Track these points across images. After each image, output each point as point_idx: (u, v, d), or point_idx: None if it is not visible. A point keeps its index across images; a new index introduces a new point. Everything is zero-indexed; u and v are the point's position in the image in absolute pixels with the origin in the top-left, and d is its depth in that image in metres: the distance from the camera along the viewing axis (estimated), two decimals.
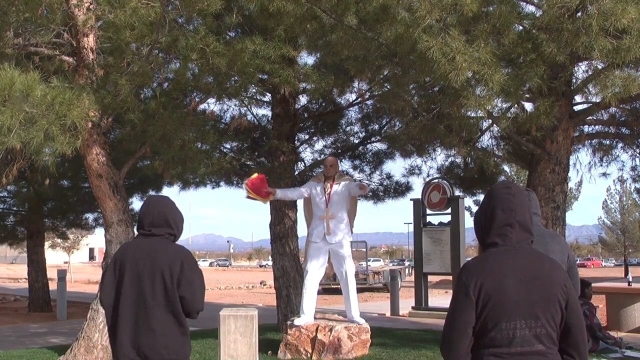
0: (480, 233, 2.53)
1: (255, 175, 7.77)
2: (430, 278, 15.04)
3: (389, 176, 13.13)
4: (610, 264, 73.81)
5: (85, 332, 7.69)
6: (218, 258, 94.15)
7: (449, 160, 13.07)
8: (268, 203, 10.83)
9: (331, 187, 7.85)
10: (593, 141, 11.12)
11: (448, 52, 6.09)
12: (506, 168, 22.76)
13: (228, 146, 11.84)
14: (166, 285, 3.23)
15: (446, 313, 2.49)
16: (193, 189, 12.70)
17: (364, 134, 12.67)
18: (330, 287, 21.89)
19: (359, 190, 7.76)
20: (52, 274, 17.80)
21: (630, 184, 28.63)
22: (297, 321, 7.75)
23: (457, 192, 13.36)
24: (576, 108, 8.97)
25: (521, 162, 11.04)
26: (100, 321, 7.69)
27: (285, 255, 10.87)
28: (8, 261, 64.87)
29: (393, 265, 36.84)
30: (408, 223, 44.20)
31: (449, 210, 13.31)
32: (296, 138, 11.67)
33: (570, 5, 6.28)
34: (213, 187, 12.88)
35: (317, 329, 7.60)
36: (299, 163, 11.79)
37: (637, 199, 37.36)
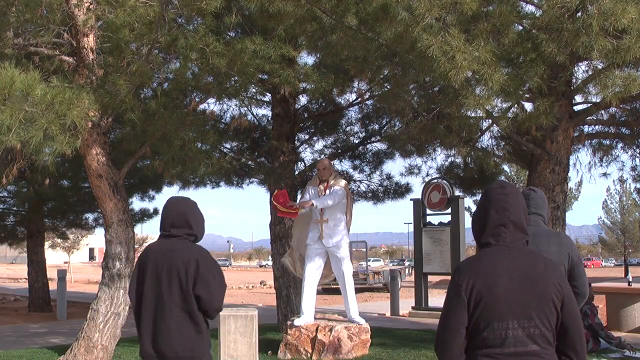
0: (476, 233, 2.54)
1: (277, 191, 7.85)
2: (430, 278, 15.03)
3: (388, 176, 13.14)
4: (610, 264, 73.76)
5: (85, 332, 7.69)
6: (218, 258, 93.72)
7: (449, 160, 13.09)
8: (267, 203, 10.87)
9: (325, 190, 7.83)
10: (593, 141, 11.12)
11: (448, 51, 6.09)
12: (506, 168, 22.79)
13: (228, 146, 11.84)
14: (182, 285, 3.34)
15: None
16: (193, 189, 12.72)
17: (364, 134, 12.67)
18: (331, 287, 21.91)
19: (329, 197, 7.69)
20: (52, 274, 17.79)
21: (630, 184, 28.71)
22: (297, 321, 7.75)
23: (457, 192, 13.37)
24: (576, 108, 8.97)
25: (521, 162, 11.04)
26: (100, 321, 7.69)
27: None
28: (8, 261, 64.85)
29: (393, 265, 36.79)
30: (408, 223, 44.23)
31: (449, 210, 13.32)
32: (296, 138, 11.67)
33: (570, 5, 6.27)
34: (213, 187, 12.90)
35: (317, 329, 7.60)
36: (299, 163, 11.80)
37: (637, 199, 37.35)
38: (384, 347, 8.32)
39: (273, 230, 11.02)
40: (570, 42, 6.31)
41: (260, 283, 33.62)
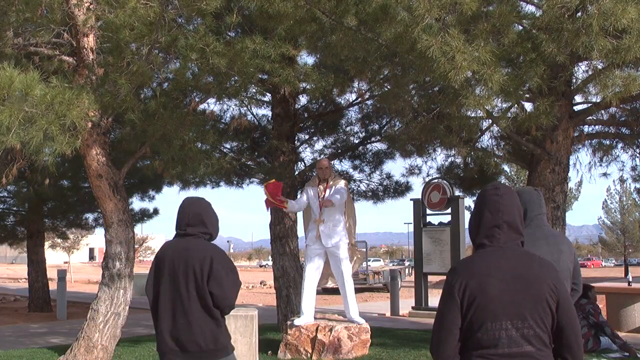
0: (471, 234, 2.55)
1: (273, 180, 7.84)
2: (430, 278, 15.02)
3: (388, 176, 13.14)
4: (610, 264, 73.72)
5: (85, 332, 7.68)
6: None
7: (449, 160, 13.08)
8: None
9: (324, 190, 7.84)
10: (593, 141, 11.11)
11: (447, 51, 6.09)
12: (506, 168, 22.79)
13: (228, 146, 11.85)
14: (197, 282, 3.44)
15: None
16: (193, 189, 12.72)
17: (364, 134, 12.67)
18: (331, 287, 21.90)
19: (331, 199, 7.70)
20: (52, 274, 17.78)
21: (630, 184, 28.67)
22: (297, 321, 7.75)
23: (457, 192, 13.36)
24: (576, 108, 8.96)
25: (521, 162, 11.03)
26: (100, 321, 7.69)
27: (285, 255, 10.87)
28: (8, 261, 64.82)
29: (393, 265, 36.81)
30: (408, 223, 44.19)
31: (449, 210, 13.32)
32: (296, 138, 11.67)
33: (570, 5, 6.27)
34: (213, 187, 12.90)
35: (317, 329, 7.60)
36: (299, 163, 11.80)
37: (637, 199, 37.36)
38: (384, 347, 8.32)
39: (273, 230, 11.02)
40: (570, 42, 6.31)
41: (260, 283, 33.61)
